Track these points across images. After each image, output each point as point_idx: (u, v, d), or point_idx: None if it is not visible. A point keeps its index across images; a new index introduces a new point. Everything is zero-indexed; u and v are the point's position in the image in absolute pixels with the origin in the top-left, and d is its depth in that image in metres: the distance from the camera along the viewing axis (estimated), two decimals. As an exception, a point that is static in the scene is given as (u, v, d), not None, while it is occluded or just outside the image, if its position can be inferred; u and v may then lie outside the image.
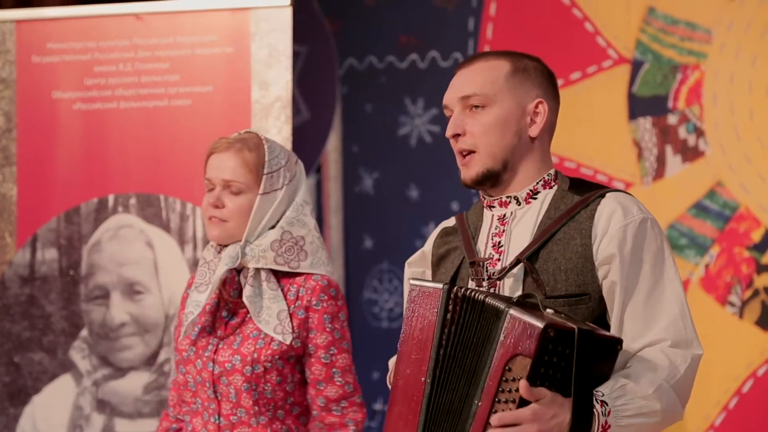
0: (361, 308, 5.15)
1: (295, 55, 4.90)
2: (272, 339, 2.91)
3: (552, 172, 2.53)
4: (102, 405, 4.07)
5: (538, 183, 2.50)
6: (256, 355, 2.90)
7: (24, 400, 4.15)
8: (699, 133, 4.46)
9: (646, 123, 4.55)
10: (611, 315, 2.40)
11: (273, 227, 2.98)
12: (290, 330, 2.90)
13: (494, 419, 2.22)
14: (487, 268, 2.49)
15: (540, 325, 2.19)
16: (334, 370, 2.94)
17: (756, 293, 4.33)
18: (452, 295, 2.34)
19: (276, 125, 4.08)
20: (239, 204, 2.95)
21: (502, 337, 2.23)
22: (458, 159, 2.52)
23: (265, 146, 2.99)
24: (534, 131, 2.50)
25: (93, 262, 4.14)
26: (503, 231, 2.50)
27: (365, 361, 5.13)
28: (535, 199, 2.50)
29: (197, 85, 4.14)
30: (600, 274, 2.40)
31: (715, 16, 4.43)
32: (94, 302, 4.11)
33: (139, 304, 4.08)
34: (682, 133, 4.49)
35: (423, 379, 2.34)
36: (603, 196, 2.46)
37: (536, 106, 2.50)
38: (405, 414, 2.37)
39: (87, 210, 4.17)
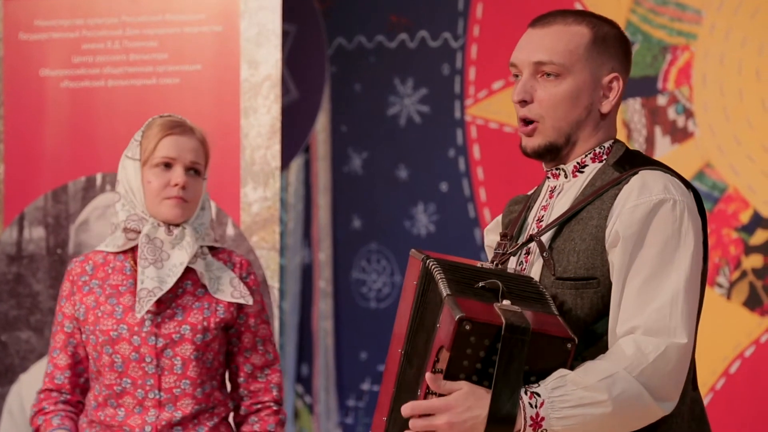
0: (350, 288, 5.15)
1: (284, 34, 4.88)
2: (216, 309, 2.98)
3: (607, 144, 2.37)
4: (89, 384, 4.06)
5: (587, 156, 2.36)
6: (206, 324, 2.97)
7: (11, 378, 4.14)
8: (688, 114, 4.45)
9: (635, 104, 4.55)
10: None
11: (202, 207, 3.06)
12: (248, 292, 3.01)
13: (406, 408, 2.15)
14: (526, 242, 2.37)
15: (456, 316, 2.08)
16: (257, 339, 3.06)
17: (744, 274, 4.34)
18: (425, 269, 2.26)
19: (265, 104, 4.07)
20: (200, 187, 3.02)
21: (438, 325, 2.14)
22: (519, 125, 2.37)
23: (203, 132, 3.07)
24: (606, 107, 2.35)
25: (80, 240, 4.13)
26: (548, 204, 2.39)
27: (353, 342, 5.13)
28: (582, 172, 2.36)
29: (186, 63, 4.13)
30: (610, 257, 2.25)
31: (706, -3, 4.43)
32: (82, 281, 4.10)
33: (126, 283, 4.07)
34: (672, 114, 4.48)
35: (399, 350, 2.31)
36: (637, 173, 2.29)
37: (611, 81, 2.35)
38: (386, 384, 2.36)
39: (75, 188, 4.15)
